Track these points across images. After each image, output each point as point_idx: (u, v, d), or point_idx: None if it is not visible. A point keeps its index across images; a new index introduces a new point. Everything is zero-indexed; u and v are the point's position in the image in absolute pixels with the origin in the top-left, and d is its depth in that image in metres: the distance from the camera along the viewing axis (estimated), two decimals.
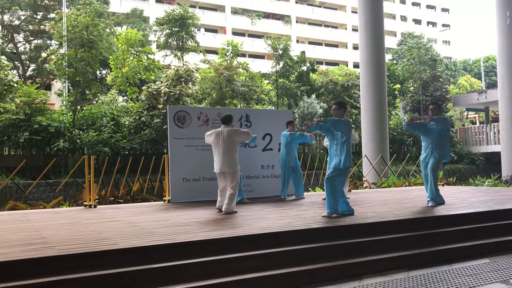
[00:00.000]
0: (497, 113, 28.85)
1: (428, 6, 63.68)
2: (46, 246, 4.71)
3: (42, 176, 11.94)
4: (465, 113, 40.39)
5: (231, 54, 23.96)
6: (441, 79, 30.79)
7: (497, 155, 23.59)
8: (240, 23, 48.68)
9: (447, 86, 31.58)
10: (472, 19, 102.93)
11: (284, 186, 9.57)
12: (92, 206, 8.95)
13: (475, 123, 40.64)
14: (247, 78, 23.63)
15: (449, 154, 7.98)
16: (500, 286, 4.53)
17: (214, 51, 34.94)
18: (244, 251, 4.88)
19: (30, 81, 25.76)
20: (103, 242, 4.91)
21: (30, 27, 27.69)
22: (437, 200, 7.82)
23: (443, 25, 62.37)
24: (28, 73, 27.50)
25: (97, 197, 10.02)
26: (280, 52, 24.70)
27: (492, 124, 26.98)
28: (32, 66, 27.68)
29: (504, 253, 5.84)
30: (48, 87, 31.57)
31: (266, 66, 29.82)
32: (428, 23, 62.73)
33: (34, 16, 27.40)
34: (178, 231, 5.52)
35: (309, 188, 14.90)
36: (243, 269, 4.64)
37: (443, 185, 13.41)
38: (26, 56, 27.47)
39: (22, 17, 27.68)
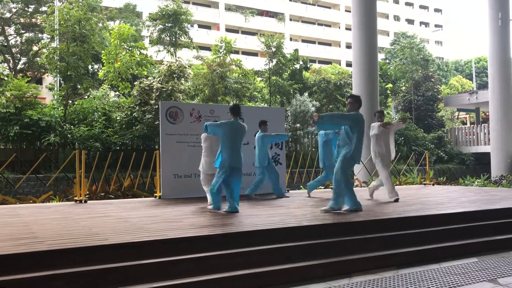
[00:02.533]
0: (487, 114, 29.12)
1: (421, 6, 64.03)
2: (35, 241, 4.69)
3: (32, 170, 11.86)
4: (456, 114, 40.69)
5: (224, 51, 23.92)
6: (432, 79, 31.01)
7: (487, 155, 23.82)
8: (234, 20, 48.59)
9: (438, 86, 31.82)
10: (464, 20, 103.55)
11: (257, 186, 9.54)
12: (83, 201, 8.91)
13: (466, 124, 40.97)
14: (240, 75, 23.61)
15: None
16: (488, 285, 4.58)
17: (207, 48, 34.82)
18: (235, 247, 4.89)
19: (21, 74, 25.51)
20: (94, 237, 4.90)
21: (22, 20, 27.43)
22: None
23: (436, 26, 62.74)
24: (19, 66, 27.25)
25: (87, 192, 9.98)
26: (274, 49, 24.70)
27: (483, 124, 27.23)
28: (23, 60, 27.43)
29: (492, 252, 5.90)
30: (39, 81, 31.30)
31: (259, 64, 29.79)
32: (421, 23, 63.07)
33: (26, 9, 27.14)
34: (169, 227, 5.51)
35: (301, 186, 14.94)
36: (234, 265, 4.65)
37: (433, 184, 13.52)
38: (17, 49, 27.22)
39: (14, 10, 27.40)
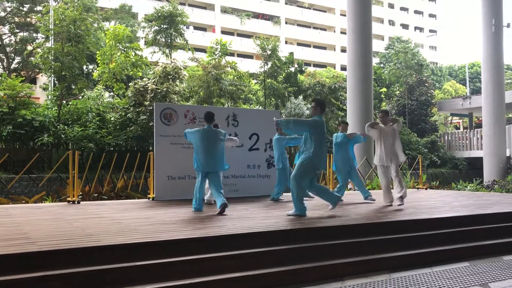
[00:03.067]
0: (480, 119, 29.30)
1: (416, 12, 64.41)
2: (27, 242, 4.66)
3: (25, 170, 11.79)
4: (450, 118, 40.93)
5: (220, 53, 23.95)
6: (426, 84, 31.19)
7: (479, 160, 23.96)
8: (230, 22, 48.63)
9: (432, 91, 32.00)
10: (458, 26, 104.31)
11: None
12: (76, 202, 8.88)
13: (459, 128, 41.22)
14: (235, 78, 23.62)
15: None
16: None
17: (202, 49, 34.82)
18: (228, 250, 4.89)
19: (14, 74, 25.37)
20: (87, 238, 4.88)
21: (16, 19, 27.30)
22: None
23: (430, 31, 63.11)
24: (13, 66, 27.11)
25: (80, 193, 9.94)
26: (269, 52, 24.74)
27: (476, 129, 27.40)
28: (17, 59, 27.29)
29: (484, 257, 5.93)
30: (33, 81, 31.15)
31: (254, 66, 29.83)
32: (416, 28, 63.42)
33: (21, 8, 27.02)
34: (163, 229, 5.50)
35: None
36: (227, 268, 4.64)
37: (426, 188, 13.58)
38: (11, 48, 27.08)
39: (8, 9, 27.27)
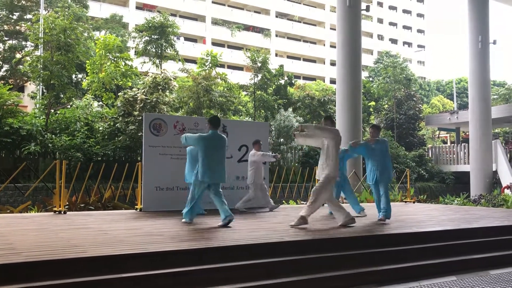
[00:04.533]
0: (467, 133, 29.64)
1: (404, 27, 65.35)
2: (12, 252, 4.59)
3: (11, 179, 11.63)
4: (437, 132, 41.34)
5: (210, 64, 23.98)
6: (414, 98, 31.54)
7: (466, 174, 24.18)
8: (220, 34, 48.86)
9: (420, 105, 32.36)
10: (446, 41, 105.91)
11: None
12: (62, 212, 8.77)
13: (446, 143, 41.62)
14: (225, 89, 23.67)
15: (391, 173, 8.35)
16: None
17: (193, 60, 34.88)
18: (216, 262, 4.85)
19: (2, 82, 25.13)
20: (72, 249, 4.82)
21: (5, 27, 27.12)
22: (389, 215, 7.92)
23: (419, 46, 64.04)
24: (1, 73, 26.87)
25: (67, 203, 9.82)
26: (259, 64, 24.87)
27: (463, 144, 27.69)
28: (6, 67, 27.06)
29: (471, 271, 5.96)
30: (21, 89, 30.88)
31: (244, 78, 29.94)
32: (404, 43, 64.32)
33: (10, 16, 26.86)
34: (149, 241, 5.45)
35: (283, 201, 14.94)
36: (214, 280, 4.61)
37: (413, 202, 13.65)
38: (0, 56, 26.86)
39: None
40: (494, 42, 23.35)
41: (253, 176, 9.52)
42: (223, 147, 7.29)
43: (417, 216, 9.14)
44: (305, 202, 12.29)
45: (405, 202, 13.60)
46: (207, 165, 7.04)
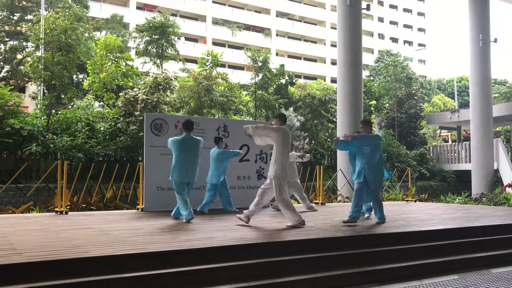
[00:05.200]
0: (468, 132, 29.61)
1: (405, 25, 65.27)
2: (14, 253, 4.59)
3: (12, 180, 11.64)
4: (438, 131, 41.30)
5: (211, 64, 23.98)
6: (415, 97, 31.50)
7: (468, 173, 24.16)
8: (221, 33, 48.85)
9: (421, 104, 32.31)
10: (447, 39, 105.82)
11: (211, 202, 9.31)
12: (64, 213, 8.77)
13: (448, 141, 41.58)
14: (226, 89, 23.66)
15: (386, 171, 8.20)
16: None
17: (193, 60, 34.88)
18: (219, 261, 4.85)
19: (3, 82, 25.16)
20: (74, 249, 4.82)
21: (6, 27, 27.15)
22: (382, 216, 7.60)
23: (419, 45, 63.95)
24: (2, 74, 26.90)
25: (69, 203, 9.82)
26: (260, 64, 24.85)
27: (464, 143, 27.66)
28: (7, 68, 27.10)
29: (473, 270, 5.96)
30: (22, 90, 30.91)
31: (245, 77, 29.92)
32: (405, 42, 64.24)
33: (11, 17, 26.90)
34: (151, 240, 5.45)
35: None
36: (217, 280, 4.61)
37: (415, 201, 13.64)
38: (1, 57, 26.89)
39: None
40: (495, 41, 23.32)
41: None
42: (195, 149, 7.76)
43: (418, 215, 9.13)
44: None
45: (407, 201, 13.59)
46: (178, 165, 7.62)
